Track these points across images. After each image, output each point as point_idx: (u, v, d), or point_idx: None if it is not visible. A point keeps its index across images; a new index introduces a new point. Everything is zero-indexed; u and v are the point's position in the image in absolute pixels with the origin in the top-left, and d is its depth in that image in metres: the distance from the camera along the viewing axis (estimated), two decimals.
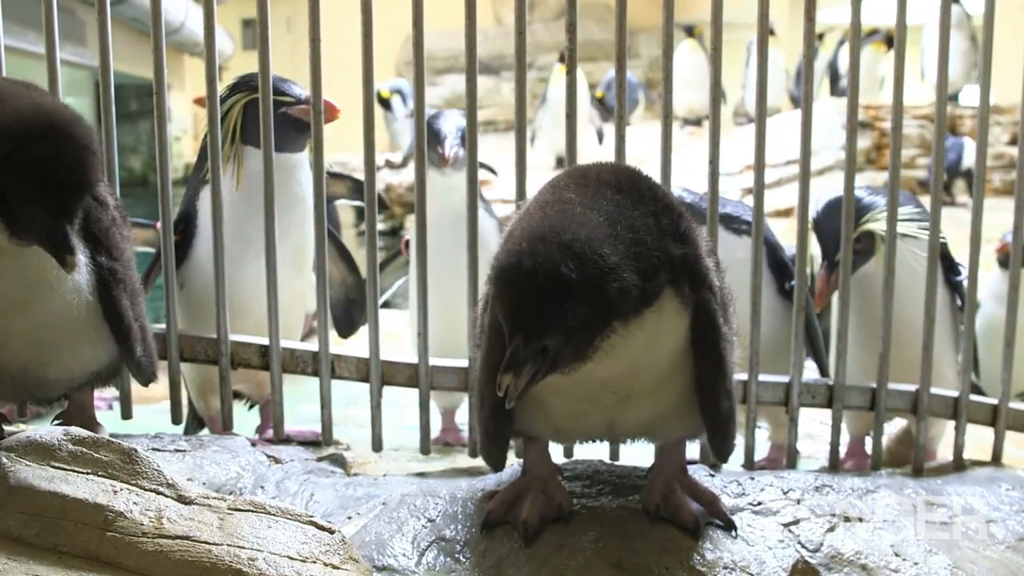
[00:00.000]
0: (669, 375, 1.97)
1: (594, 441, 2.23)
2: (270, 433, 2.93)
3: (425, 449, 2.88)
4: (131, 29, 9.98)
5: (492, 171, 4.32)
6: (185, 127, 15.08)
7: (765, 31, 2.71)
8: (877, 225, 2.98)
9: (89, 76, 11.31)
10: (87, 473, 1.88)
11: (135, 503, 1.84)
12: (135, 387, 2.80)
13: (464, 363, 2.78)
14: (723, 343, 1.97)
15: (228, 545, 1.79)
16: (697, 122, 14.38)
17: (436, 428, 3.49)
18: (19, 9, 2.66)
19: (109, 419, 2.64)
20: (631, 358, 1.84)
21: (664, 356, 1.93)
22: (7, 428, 2.39)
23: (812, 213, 3.05)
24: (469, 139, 2.74)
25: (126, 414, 2.85)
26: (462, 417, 3.73)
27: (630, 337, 1.78)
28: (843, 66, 13.54)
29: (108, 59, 2.71)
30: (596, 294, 1.68)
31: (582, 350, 1.73)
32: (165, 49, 2.73)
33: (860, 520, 2.26)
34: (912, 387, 2.88)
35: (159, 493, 1.89)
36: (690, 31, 14.37)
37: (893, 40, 2.82)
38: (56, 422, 2.39)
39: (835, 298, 3.10)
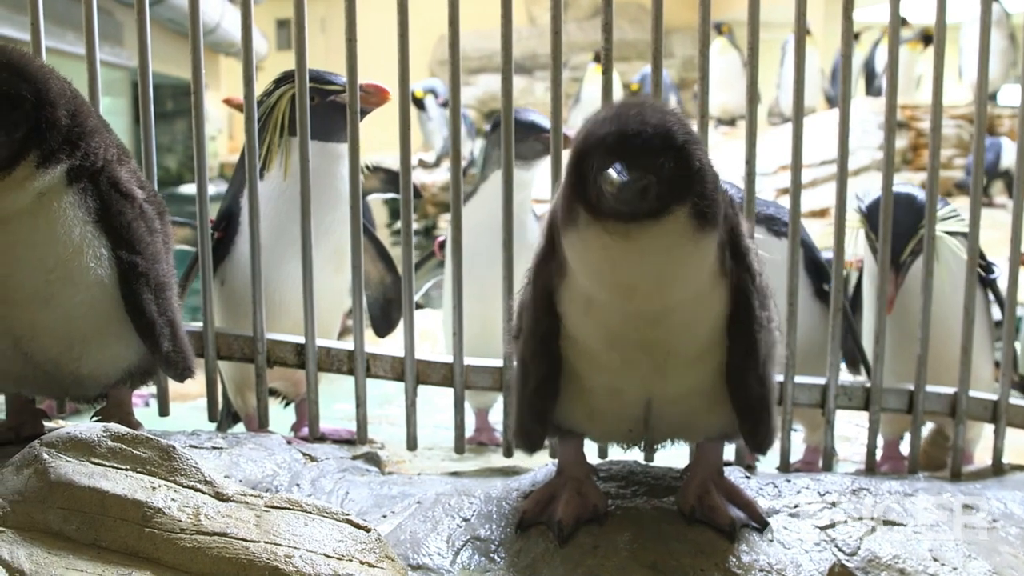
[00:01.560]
0: (706, 350, 1.99)
1: (630, 443, 2.22)
2: (305, 431, 2.94)
3: (459, 449, 2.89)
4: (167, 30, 10.08)
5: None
6: (220, 127, 15.19)
7: (802, 30, 2.69)
8: (937, 227, 2.94)
9: (126, 76, 11.44)
10: (126, 469, 1.90)
11: (173, 500, 1.86)
12: (171, 384, 2.82)
13: (499, 363, 2.78)
14: (756, 327, 1.98)
15: (265, 542, 1.80)
16: (731, 122, 14.30)
17: (469, 428, 3.49)
18: (57, 9, 2.69)
19: (145, 416, 2.67)
20: (677, 287, 1.85)
21: (701, 323, 1.95)
22: (47, 424, 2.44)
23: (860, 211, 3.02)
24: (504, 138, 2.74)
25: (163, 411, 2.87)
26: (495, 417, 3.74)
27: (689, 237, 1.80)
28: (879, 65, 13.42)
29: (147, 59, 2.73)
30: (686, 160, 1.77)
31: (663, 203, 1.76)
32: (203, 51, 2.75)
33: (898, 524, 2.24)
34: (951, 390, 2.85)
35: (197, 490, 1.91)
36: (719, 28, 14.26)
37: (929, 39, 2.80)
38: (95, 419, 2.41)
39: (868, 300, 3.08)
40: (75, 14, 2.66)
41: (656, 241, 1.78)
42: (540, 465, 2.46)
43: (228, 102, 3.12)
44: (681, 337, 1.94)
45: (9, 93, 2.03)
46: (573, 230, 1.84)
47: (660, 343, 1.93)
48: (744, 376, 2.00)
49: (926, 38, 11.85)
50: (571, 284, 1.93)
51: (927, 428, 3.32)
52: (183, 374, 2.42)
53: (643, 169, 1.72)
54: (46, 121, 2.09)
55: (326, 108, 2.86)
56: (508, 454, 2.85)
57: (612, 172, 1.68)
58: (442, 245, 3.73)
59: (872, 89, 14.15)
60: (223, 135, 15.49)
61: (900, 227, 2.84)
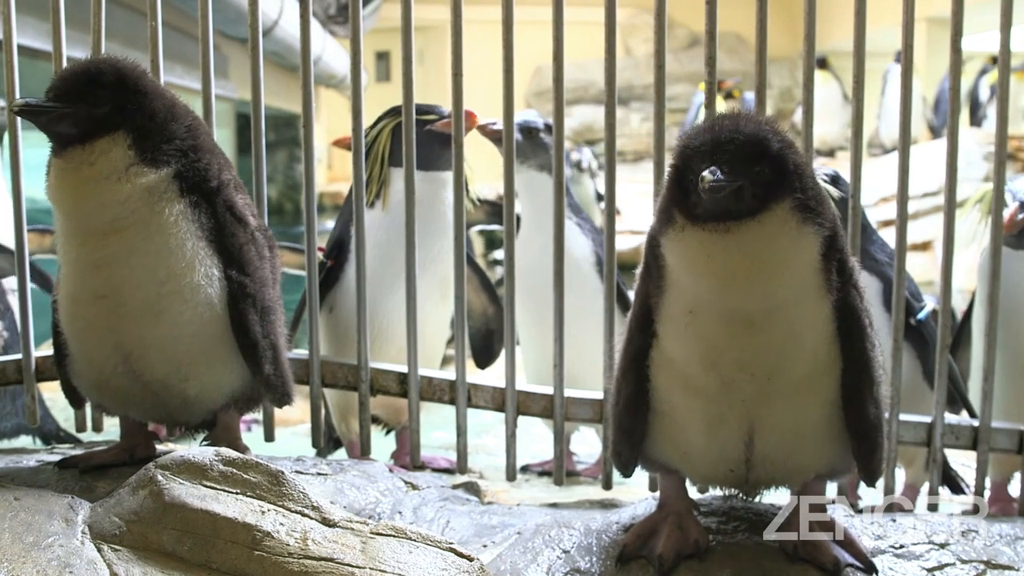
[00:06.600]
0: (813, 374, 1.98)
1: (731, 486, 2.18)
2: (406, 459, 2.97)
3: (559, 480, 2.88)
4: (269, 62, 10.34)
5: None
6: (320, 157, 15.48)
7: (910, 61, 2.65)
8: None
9: (231, 108, 11.71)
10: (236, 493, 1.95)
11: (282, 524, 1.90)
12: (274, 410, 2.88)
13: (599, 395, 2.78)
14: (869, 345, 2.00)
15: (371, 568, 1.84)
16: (830, 153, 14.08)
17: (549, 454, 3.50)
18: (166, 43, 2.79)
19: (249, 441, 2.72)
20: (776, 279, 1.88)
21: (803, 336, 1.94)
22: (158, 447, 2.51)
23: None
24: (607, 171, 2.76)
25: (269, 436, 2.93)
26: (576, 445, 3.77)
27: (793, 228, 1.86)
28: (983, 95, 13.11)
29: (259, 94, 2.83)
30: (781, 162, 1.87)
31: (762, 202, 1.84)
32: (313, 84, 2.82)
33: (1008, 568, 2.18)
34: None
35: (304, 515, 1.95)
36: (822, 63, 14.09)
37: None
38: (204, 443, 2.47)
39: (977, 334, 3.01)
40: (183, 48, 2.76)
41: (756, 234, 1.85)
42: (640, 498, 2.45)
43: (338, 144, 3.20)
44: (782, 352, 1.94)
45: (89, 70, 2.20)
46: (672, 233, 1.91)
47: (761, 359, 1.93)
48: (861, 396, 2.01)
49: None
50: (671, 296, 1.97)
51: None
52: (282, 399, 2.47)
53: (736, 173, 1.80)
54: (136, 106, 2.19)
55: (422, 137, 2.91)
56: (607, 486, 2.84)
57: (707, 175, 1.78)
58: None
59: (976, 119, 13.82)
60: (322, 165, 15.78)
61: None
